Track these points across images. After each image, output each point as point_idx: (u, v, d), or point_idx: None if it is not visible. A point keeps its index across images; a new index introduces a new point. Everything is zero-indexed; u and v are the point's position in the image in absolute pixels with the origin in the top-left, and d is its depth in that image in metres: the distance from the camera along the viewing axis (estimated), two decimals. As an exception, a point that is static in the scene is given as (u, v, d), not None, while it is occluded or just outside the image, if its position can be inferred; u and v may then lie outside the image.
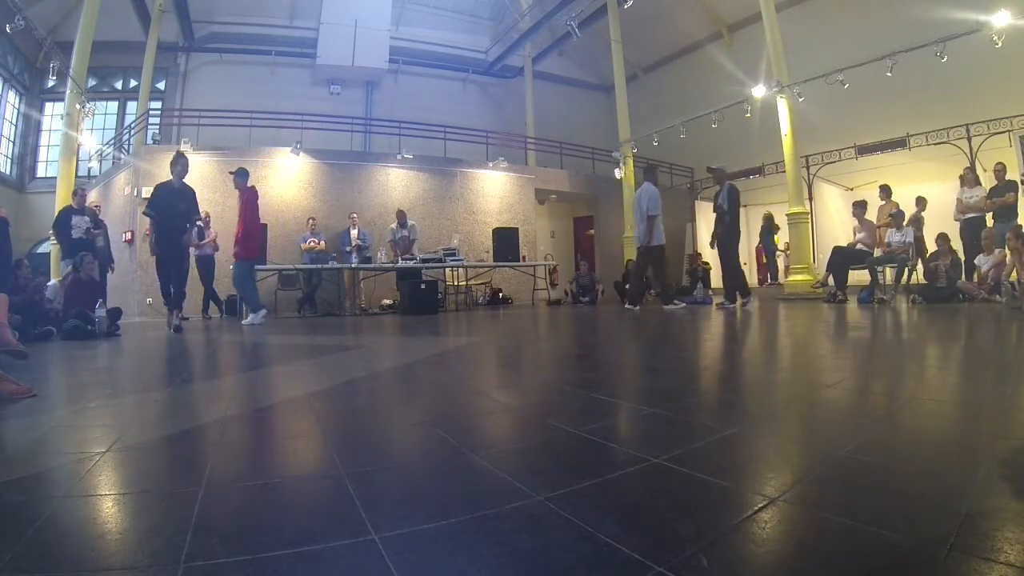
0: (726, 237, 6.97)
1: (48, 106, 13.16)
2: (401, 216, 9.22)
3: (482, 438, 1.44)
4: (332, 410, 1.79)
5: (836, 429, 1.37)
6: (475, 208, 11.15)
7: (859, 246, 7.30)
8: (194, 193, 5.73)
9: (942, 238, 6.83)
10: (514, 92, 15.02)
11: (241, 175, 6.75)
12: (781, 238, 11.39)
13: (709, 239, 7.23)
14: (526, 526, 0.81)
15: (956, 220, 7.20)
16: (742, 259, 12.98)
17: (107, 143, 11.57)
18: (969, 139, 8.68)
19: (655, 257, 7.19)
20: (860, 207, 7.40)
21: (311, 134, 10.33)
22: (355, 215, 9.40)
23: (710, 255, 8.81)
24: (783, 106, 8.92)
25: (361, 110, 13.55)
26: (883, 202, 8.00)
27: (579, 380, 2.31)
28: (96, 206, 7.84)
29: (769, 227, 11.67)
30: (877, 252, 7.16)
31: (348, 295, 9.10)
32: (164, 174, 8.94)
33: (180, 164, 5.66)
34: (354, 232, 9.14)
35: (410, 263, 8.48)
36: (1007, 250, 5.85)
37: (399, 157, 10.56)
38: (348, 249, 8.94)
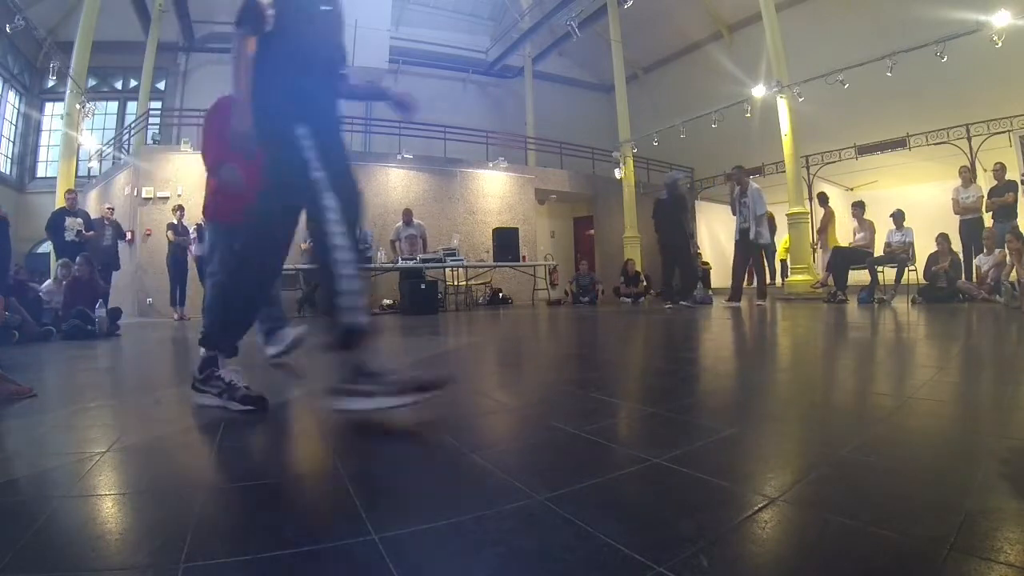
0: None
1: (48, 106, 13.17)
2: (407, 215, 9.00)
3: (482, 438, 1.44)
4: (332, 410, 1.79)
5: (836, 429, 1.37)
6: (475, 208, 11.15)
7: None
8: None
9: (942, 238, 6.84)
10: (514, 92, 15.02)
11: None
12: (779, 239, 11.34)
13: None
14: (526, 526, 0.81)
15: (957, 214, 7.30)
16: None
17: (107, 143, 11.57)
18: (969, 139, 8.70)
19: (756, 254, 7.34)
20: (859, 207, 7.42)
21: (311, 134, 10.31)
22: None
23: (710, 255, 8.87)
24: (783, 106, 8.93)
25: (361, 110, 13.55)
26: (822, 209, 8.77)
27: (579, 380, 2.31)
28: (109, 208, 7.88)
29: (771, 227, 11.66)
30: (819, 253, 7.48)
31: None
32: (163, 174, 9.09)
33: None
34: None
35: (410, 263, 8.47)
36: (1007, 250, 5.86)
37: (399, 157, 10.57)
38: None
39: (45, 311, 5.38)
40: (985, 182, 7.42)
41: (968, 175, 7.35)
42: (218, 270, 2.82)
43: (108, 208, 7.80)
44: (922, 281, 6.87)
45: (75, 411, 1.83)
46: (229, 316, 1.81)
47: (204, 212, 2.91)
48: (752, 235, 6.91)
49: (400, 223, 8.99)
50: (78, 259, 5.75)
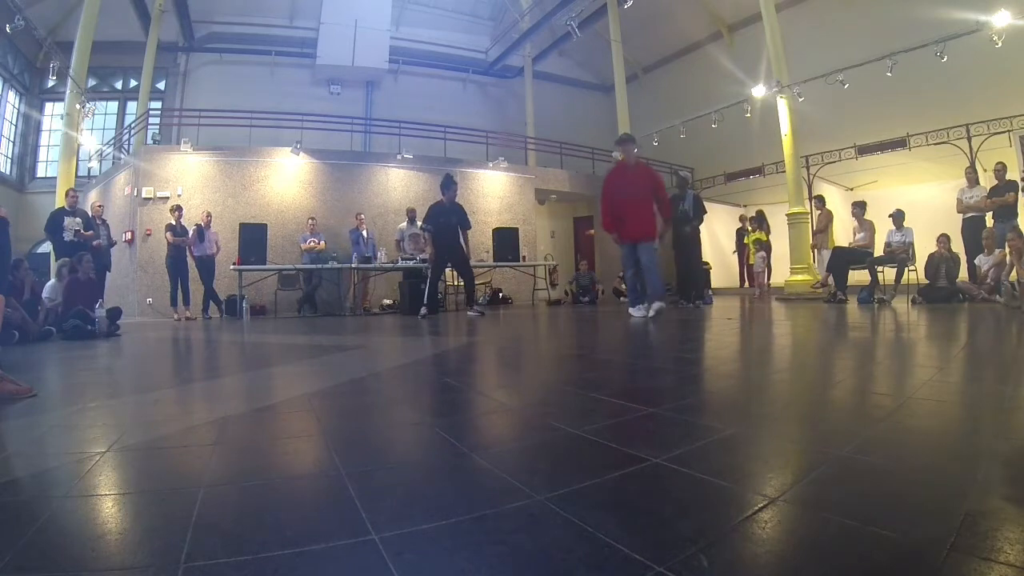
0: (692, 241, 7.58)
1: (48, 106, 13.17)
2: (411, 213, 9.05)
3: (482, 438, 1.44)
4: (332, 410, 1.79)
5: (836, 429, 1.37)
6: (475, 208, 11.12)
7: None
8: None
9: (943, 238, 6.84)
10: (514, 92, 15.02)
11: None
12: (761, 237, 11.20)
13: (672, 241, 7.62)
14: (526, 526, 0.81)
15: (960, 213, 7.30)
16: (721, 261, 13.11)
17: (107, 143, 11.58)
18: (969, 139, 8.69)
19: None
20: (860, 207, 7.42)
21: (311, 134, 10.33)
22: (362, 215, 9.36)
23: (710, 255, 8.97)
24: (783, 106, 8.93)
25: (361, 110, 13.55)
26: (819, 211, 8.92)
27: (579, 380, 2.31)
28: (99, 206, 7.85)
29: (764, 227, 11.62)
30: (815, 254, 7.61)
31: (349, 295, 9.09)
32: (163, 174, 9.09)
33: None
34: (364, 233, 9.11)
35: (410, 263, 8.47)
36: (1007, 250, 5.86)
37: (399, 157, 10.56)
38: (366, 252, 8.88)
39: (43, 311, 5.37)
40: (986, 182, 7.43)
41: (973, 176, 7.37)
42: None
43: (98, 206, 7.72)
44: (922, 281, 6.87)
45: (75, 411, 1.83)
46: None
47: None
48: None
49: (404, 223, 8.99)
50: (84, 258, 5.73)
